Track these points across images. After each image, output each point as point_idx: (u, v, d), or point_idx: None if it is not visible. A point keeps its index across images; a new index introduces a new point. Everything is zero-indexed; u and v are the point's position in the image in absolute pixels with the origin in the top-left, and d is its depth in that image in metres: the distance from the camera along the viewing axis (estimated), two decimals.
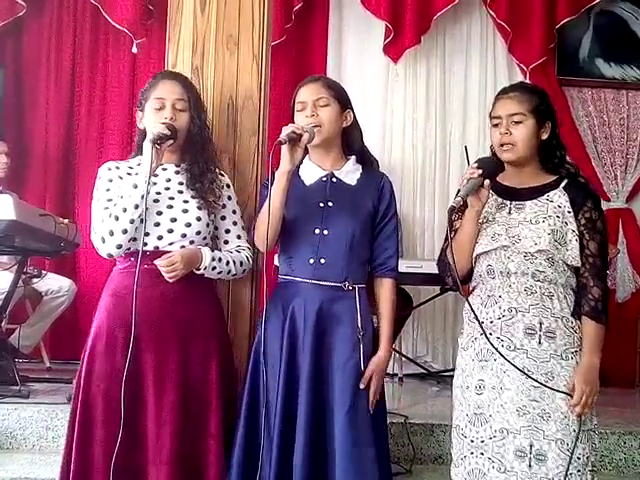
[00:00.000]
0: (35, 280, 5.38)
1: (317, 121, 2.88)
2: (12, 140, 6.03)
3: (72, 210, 6.23)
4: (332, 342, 2.83)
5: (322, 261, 2.86)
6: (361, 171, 3.00)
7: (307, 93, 2.96)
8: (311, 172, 2.97)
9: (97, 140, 6.42)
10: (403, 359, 5.85)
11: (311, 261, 2.87)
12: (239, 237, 3.06)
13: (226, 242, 3.05)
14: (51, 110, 6.50)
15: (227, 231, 3.05)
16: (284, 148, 2.77)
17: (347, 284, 2.87)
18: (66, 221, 4.70)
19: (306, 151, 2.92)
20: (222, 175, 3.09)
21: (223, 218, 3.04)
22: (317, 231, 2.88)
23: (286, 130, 2.77)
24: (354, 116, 3.01)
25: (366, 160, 3.04)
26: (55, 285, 5.51)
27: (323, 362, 2.82)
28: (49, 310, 5.54)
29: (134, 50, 6.27)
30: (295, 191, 2.87)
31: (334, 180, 2.95)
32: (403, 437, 3.99)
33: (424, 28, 6.40)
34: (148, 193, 2.79)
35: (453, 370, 2.90)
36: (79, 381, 2.86)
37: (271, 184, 2.82)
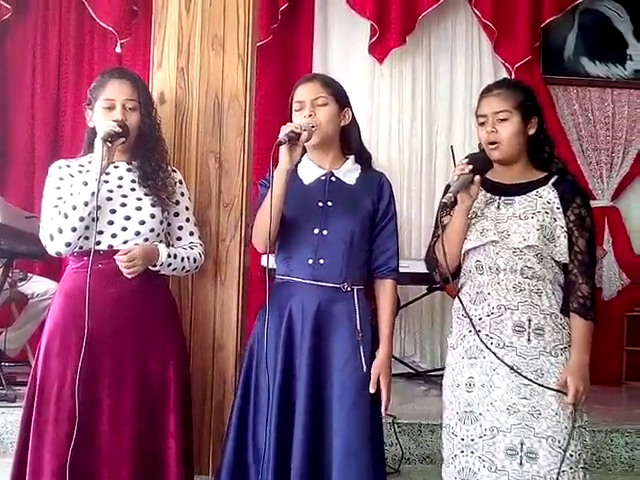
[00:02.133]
0: (21, 283, 5.36)
1: (315, 121, 2.83)
2: None
3: None
4: (331, 344, 2.80)
5: (321, 261, 2.82)
6: (360, 171, 2.96)
7: (305, 92, 2.90)
8: (310, 171, 2.93)
9: (83, 142, 6.37)
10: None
11: (310, 261, 2.83)
12: (192, 234, 3.05)
13: (179, 239, 3.03)
14: (37, 112, 6.47)
15: (180, 228, 3.03)
16: (282, 147, 2.73)
17: (346, 285, 2.83)
18: None
19: (304, 149, 2.88)
20: (174, 171, 3.07)
21: (176, 215, 3.01)
22: (316, 231, 2.84)
23: (285, 130, 2.72)
24: (352, 114, 2.97)
25: (365, 159, 3.00)
26: (41, 288, 5.48)
27: (321, 363, 2.78)
28: (35, 313, 5.50)
29: (118, 50, 6.25)
30: (294, 191, 2.83)
31: (333, 179, 2.91)
32: (391, 437, 3.99)
33: (409, 28, 6.39)
34: (99, 191, 2.76)
35: (441, 370, 2.90)
36: (33, 381, 2.83)
37: (270, 183, 2.77)
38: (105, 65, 6.37)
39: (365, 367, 2.79)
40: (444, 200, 2.67)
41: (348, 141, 2.98)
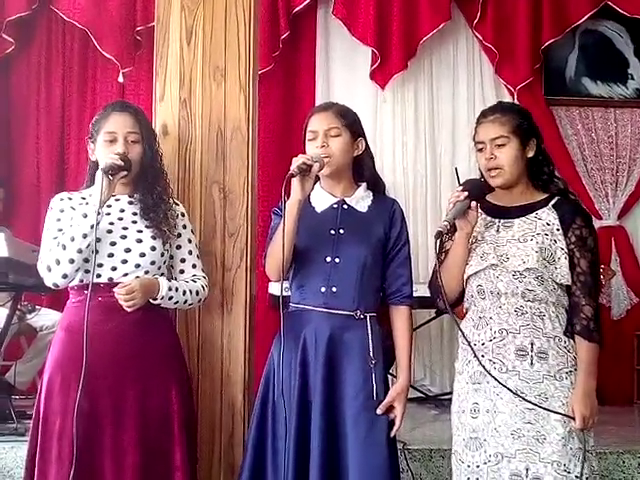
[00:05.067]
0: (29, 316, 5.36)
1: (328, 152, 2.83)
2: (3, 176, 6.02)
3: None
4: (343, 372, 2.79)
5: (334, 289, 2.81)
6: (372, 198, 2.96)
7: (318, 122, 2.90)
8: (322, 199, 2.93)
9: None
10: None
11: (322, 289, 2.81)
12: (194, 266, 3.03)
13: (181, 271, 3.01)
14: (42, 145, 6.51)
15: (182, 260, 3.01)
16: (294, 179, 2.73)
17: (358, 313, 2.81)
18: None
19: (317, 178, 2.88)
20: (177, 204, 3.06)
21: (178, 247, 3.00)
22: (328, 259, 2.83)
23: (297, 162, 2.72)
24: (366, 144, 2.97)
25: (378, 187, 3.01)
26: (49, 321, 5.47)
27: (335, 392, 2.77)
28: (44, 346, 5.46)
29: (120, 79, 6.30)
30: (306, 219, 2.82)
31: (345, 207, 2.91)
32: (402, 463, 3.95)
33: (411, 53, 6.43)
34: (98, 223, 2.75)
35: (451, 393, 2.88)
36: (37, 418, 2.82)
37: (282, 213, 2.76)
38: (108, 97, 6.43)
39: (376, 395, 2.78)
40: (439, 228, 2.66)
41: (361, 170, 2.98)
